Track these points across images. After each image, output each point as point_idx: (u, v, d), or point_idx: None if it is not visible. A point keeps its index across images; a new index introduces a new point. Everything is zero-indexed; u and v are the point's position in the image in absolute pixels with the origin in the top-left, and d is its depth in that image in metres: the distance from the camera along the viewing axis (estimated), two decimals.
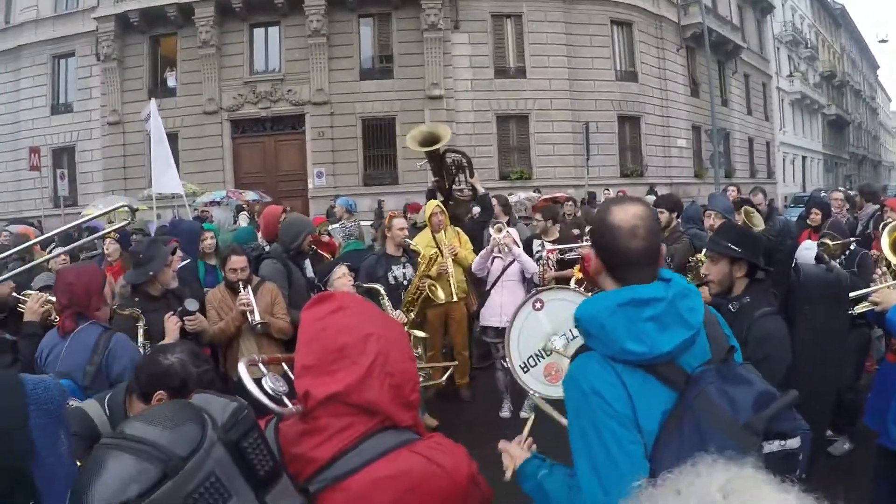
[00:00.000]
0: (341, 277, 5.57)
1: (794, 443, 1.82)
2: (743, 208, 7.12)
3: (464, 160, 9.40)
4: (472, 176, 9.37)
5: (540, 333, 4.88)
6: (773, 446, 1.79)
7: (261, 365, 1.95)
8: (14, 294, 4.90)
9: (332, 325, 1.86)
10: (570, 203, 12.58)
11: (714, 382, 1.90)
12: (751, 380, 1.95)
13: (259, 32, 26.61)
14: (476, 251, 7.74)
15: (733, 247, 3.74)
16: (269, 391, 1.77)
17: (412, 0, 25.39)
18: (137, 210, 9.76)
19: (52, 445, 2.04)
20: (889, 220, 6.84)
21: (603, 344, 1.97)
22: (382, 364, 1.81)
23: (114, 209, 7.33)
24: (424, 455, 1.76)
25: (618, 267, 2.08)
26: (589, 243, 7.17)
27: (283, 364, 2.05)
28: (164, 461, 1.33)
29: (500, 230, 7.22)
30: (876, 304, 4.31)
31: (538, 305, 5.03)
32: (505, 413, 7.44)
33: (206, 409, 1.48)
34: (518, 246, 7.35)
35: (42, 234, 12.61)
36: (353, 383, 1.74)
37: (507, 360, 5.07)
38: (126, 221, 7.23)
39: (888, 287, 4.47)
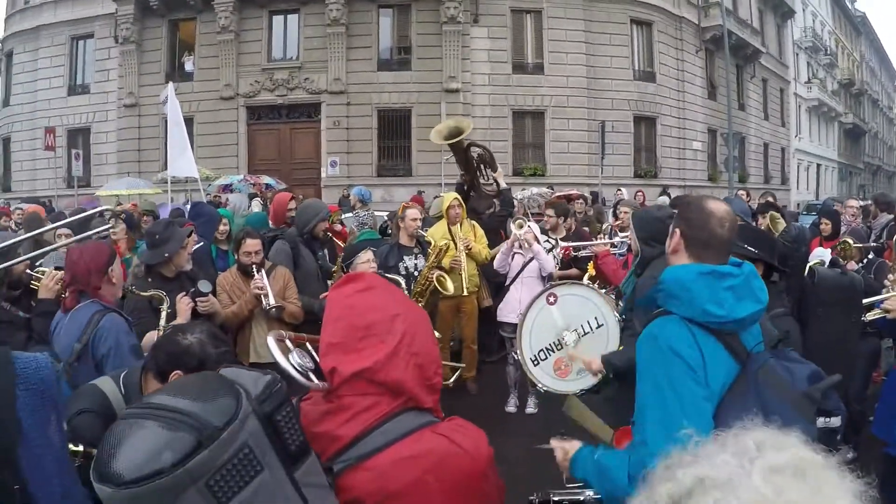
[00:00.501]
0: (366, 262, 5.54)
1: (836, 421, 2.00)
2: (769, 213, 7.07)
3: (486, 154, 9.39)
4: (494, 170, 9.36)
5: (552, 328, 5.03)
6: (819, 422, 1.97)
7: (288, 342, 1.94)
8: (28, 271, 4.87)
9: (359, 303, 1.88)
10: (581, 201, 12.53)
11: (774, 359, 2.14)
12: (802, 359, 2.21)
13: (278, 20, 26.62)
14: (495, 245, 7.71)
15: (749, 248, 3.74)
16: (297, 366, 1.78)
17: None
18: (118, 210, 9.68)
19: (41, 429, 1.96)
20: None
21: (685, 305, 2.17)
22: (409, 344, 1.82)
23: (86, 215, 7.00)
24: (446, 436, 1.77)
25: (700, 245, 2.32)
26: (603, 241, 7.14)
27: (308, 344, 2.03)
28: (199, 429, 1.31)
29: (521, 226, 7.19)
30: (888, 311, 4.34)
31: (552, 300, 5.17)
32: (511, 408, 7.42)
33: (238, 381, 1.47)
34: (539, 242, 7.31)
35: (51, 212, 12.66)
36: (380, 360, 1.75)
37: (518, 352, 5.21)
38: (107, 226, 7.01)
39: None
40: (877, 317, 4.46)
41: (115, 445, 1.30)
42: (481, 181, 9.53)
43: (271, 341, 1.88)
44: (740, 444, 0.97)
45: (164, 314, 4.55)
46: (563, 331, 4.95)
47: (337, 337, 1.82)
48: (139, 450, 1.28)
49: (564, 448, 2.43)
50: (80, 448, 2.34)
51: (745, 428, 1.02)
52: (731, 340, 2.16)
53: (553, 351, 4.93)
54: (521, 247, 7.19)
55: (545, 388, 4.84)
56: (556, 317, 5.04)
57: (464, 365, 7.15)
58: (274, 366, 4.57)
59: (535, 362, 4.99)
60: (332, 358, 1.79)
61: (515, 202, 10.66)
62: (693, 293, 2.15)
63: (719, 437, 1.02)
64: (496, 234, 8.19)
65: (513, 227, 7.35)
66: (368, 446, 1.70)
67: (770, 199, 9.15)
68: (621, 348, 4.22)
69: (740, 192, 13.62)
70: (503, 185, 9.07)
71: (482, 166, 9.45)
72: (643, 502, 0.99)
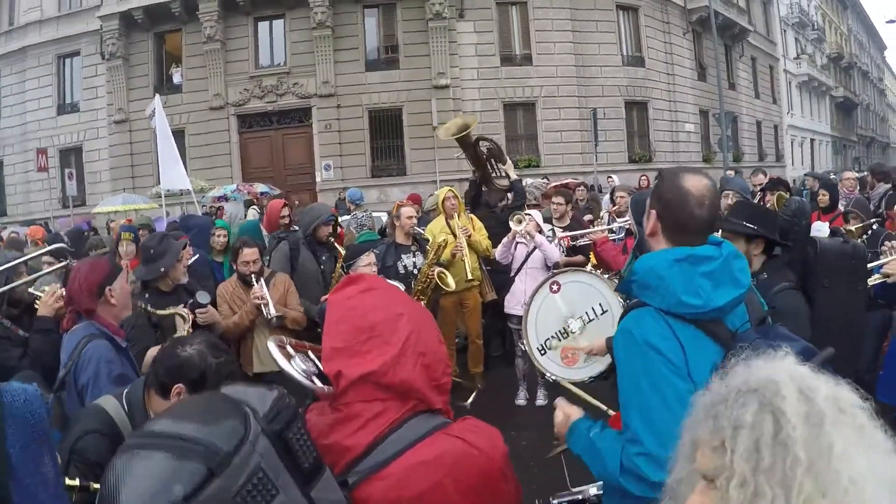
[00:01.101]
0: (367, 265, 5.55)
1: None
2: (777, 193, 7.03)
3: (494, 148, 9.43)
4: (503, 163, 9.36)
5: (557, 316, 5.00)
6: None
7: (289, 347, 1.92)
8: (30, 290, 4.82)
9: (361, 304, 1.84)
10: (582, 188, 12.54)
11: (760, 338, 1.98)
12: (792, 336, 2.07)
13: (263, 26, 26.55)
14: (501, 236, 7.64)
15: (749, 224, 3.74)
16: (300, 371, 1.76)
17: None
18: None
19: (34, 464, 1.86)
20: None
21: (660, 296, 2.07)
22: (415, 343, 1.79)
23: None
24: (460, 437, 1.74)
25: (677, 230, 2.21)
26: (602, 228, 7.11)
27: (309, 352, 1.98)
28: (208, 456, 1.23)
29: (519, 221, 7.16)
30: (888, 276, 4.37)
31: (555, 288, 5.14)
32: (521, 401, 7.43)
33: (243, 400, 1.40)
34: (541, 232, 7.30)
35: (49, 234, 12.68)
36: (388, 362, 1.72)
37: (525, 342, 5.14)
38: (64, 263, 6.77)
39: None
40: (876, 282, 4.47)
41: (120, 481, 1.22)
42: (493, 175, 9.54)
43: (272, 346, 1.86)
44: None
45: (185, 329, 4.50)
46: (567, 318, 4.92)
47: (340, 340, 1.78)
48: (146, 484, 1.20)
49: (566, 412, 2.39)
50: (76, 482, 2.29)
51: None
52: (712, 326, 2.08)
53: (559, 339, 4.90)
54: (523, 238, 7.17)
55: (553, 377, 4.75)
56: (561, 305, 5.02)
57: (479, 387, 7.19)
58: (280, 375, 4.56)
59: (542, 351, 4.96)
60: (336, 362, 1.75)
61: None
62: (667, 283, 2.06)
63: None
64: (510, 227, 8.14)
65: (511, 223, 7.28)
66: (382, 455, 1.66)
67: (762, 174, 9.12)
68: None
69: (728, 171, 13.67)
70: (514, 176, 9.03)
71: (492, 160, 9.44)
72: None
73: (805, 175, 16.84)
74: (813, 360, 1.84)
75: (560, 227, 7.91)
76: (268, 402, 1.42)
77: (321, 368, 1.81)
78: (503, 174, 9.37)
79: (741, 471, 1.05)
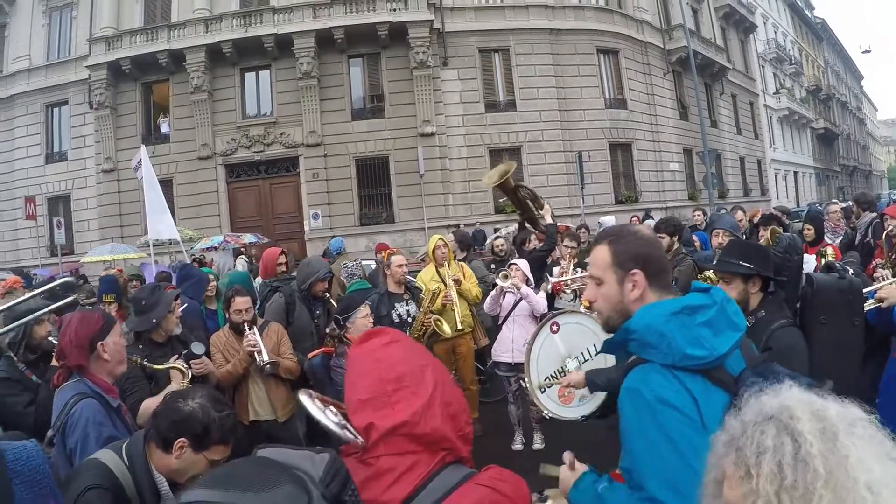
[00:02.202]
0: (364, 318, 5.44)
1: None
2: (770, 228, 6.97)
3: (530, 194, 9.62)
4: (541, 208, 9.52)
5: (556, 356, 5.04)
6: None
7: (316, 400, 1.92)
8: (50, 339, 4.69)
9: (387, 357, 1.85)
10: (584, 230, 12.59)
11: (762, 380, 1.89)
12: (791, 374, 1.98)
13: (250, 76, 26.77)
14: (537, 280, 7.61)
15: (745, 264, 3.72)
16: (335, 423, 1.77)
17: (400, 38, 25.57)
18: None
19: None
20: (890, 227, 6.91)
21: (663, 353, 1.99)
22: (441, 394, 1.80)
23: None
24: (489, 486, 1.74)
25: (661, 276, 2.18)
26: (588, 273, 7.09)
27: (331, 407, 1.96)
28: None
29: (505, 277, 7.14)
30: (881, 300, 4.34)
31: (555, 328, 5.18)
32: (517, 446, 7.39)
33: (291, 464, 1.34)
34: (529, 281, 7.32)
35: (28, 281, 12.62)
36: (417, 412, 1.73)
37: (527, 380, 5.13)
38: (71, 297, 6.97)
39: (893, 284, 4.50)
40: (870, 307, 4.44)
41: None
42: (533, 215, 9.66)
43: (305, 398, 1.88)
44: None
45: (184, 383, 4.33)
46: (565, 358, 4.97)
47: (367, 392, 1.79)
48: None
49: (562, 479, 2.32)
50: None
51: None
52: (716, 374, 2.00)
53: (557, 378, 4.89)
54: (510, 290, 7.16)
55: (550, 415, 4.78)
56: (559, 345, 5.05)
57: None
58: (275, 424, 4.89)
59: (542, 390, 4.98)
60: (365, 414, 1.75)
61: (503, 240, 10.75)
62: (669, 338, 1.97)
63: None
64: (540, 269, 8.14)
65: (497, 280, 7.26)
66: None
67: (741, 210, 9.18)
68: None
69: (723, 209, 13.82)
70: (549, 220, 9.05)
71: (534, 204, 9.58)
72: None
73: (773, 209, 16.91)
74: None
75: (568, 270, 7.83)
76: (321, 466, 1.39)
77: (344, 423, 1.81)
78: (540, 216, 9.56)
79: (765, 492, 1.11)
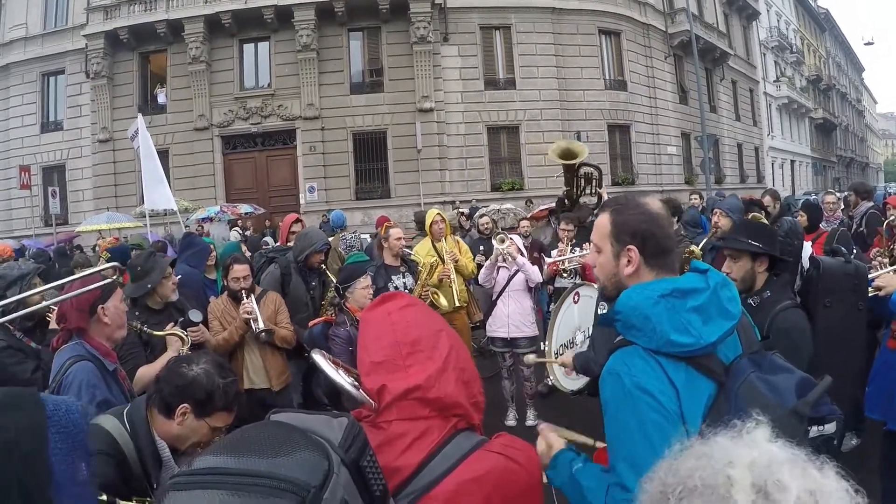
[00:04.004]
0: (364, 288, 5.47)
1: (830, 427, 1.83)
2: (751, 214, 7.03)
3: (595, 173, 10.08)
4: (600, 186, 9.78)
5: (571, 326, 5.15)
6: (812, 432, 1.80)
7: (328, 360, 1.92)
8: (44, 302, 4.77)
9: (402, 319, 1.85)
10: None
11: (755, 371, 1.91)
12: (788, 367, 1.98)
13: (249, 48, 26.61)
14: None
15: (754, 243, 3.72)
16: (349, 382, 1.77)
17: (401, 13, 25.46)
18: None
19: (73, 474, 1.77)
20: (892, 216, 6.90)
21: (647, 336, 1.93)
22: (455, 359, 1.80)
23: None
24: (501, 453, 1.74)
25: (661, 254, 2.09)
26: (587, 252, 7.10)
27: (342, 370, 1.94)
28: (299, 494, 1.10)
29: (502, 241, 7.17)
30: (879, 289, 4.34)
31: (576, 298, 5.31)
32: (511, 422, 7.40)
33: (309, 429, 1.29)
34: (522, 254, 7.32)
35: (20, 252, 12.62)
36: (432, 376, 1.73)
37: (547, 342, 5.28)
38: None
39: (891, 272, 4.52)
40: (868, 295, 4.43)
41: None
42: (580, 195, 10.24)
43: (318, 357, 1.89)
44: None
45: (184, 351, 4.36)
46: (576, 330, 5.03)
47: (381, 355, 1.78)
48: None
49: (549, 442, 2.27)
50: (105, 497, 2.21)
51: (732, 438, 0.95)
52: (704, 361, 1.92)
53: (568, 348, 5.00)
54: (504, 260, 7.16)
55: (551, 382, 4.90)
56: (576, 315, 5.13)
57: None
58: (269, 393, 5.08)
59: (557, 355, 5.04)
60: (378, 376, 1.75)
61: (488, 218, 10.79)
62: (653, 322, 1.91)
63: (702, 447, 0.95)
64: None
65: (494, 242, 7.32)
66: (431, 475, 1.65)
67: (769, 195, 9.18)
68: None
69: (692, 195, 13.87)
70: (605, 198, 9.10)
71: (593, 182, 10.03)
72: None
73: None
74: (811, 394, 1.82)
75: (566, 252, 7.84)
76: (339, 431, 1.36)
77: (357, 384, 1.81)
78: (592, 193, 10.08)
79: None
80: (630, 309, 1.96)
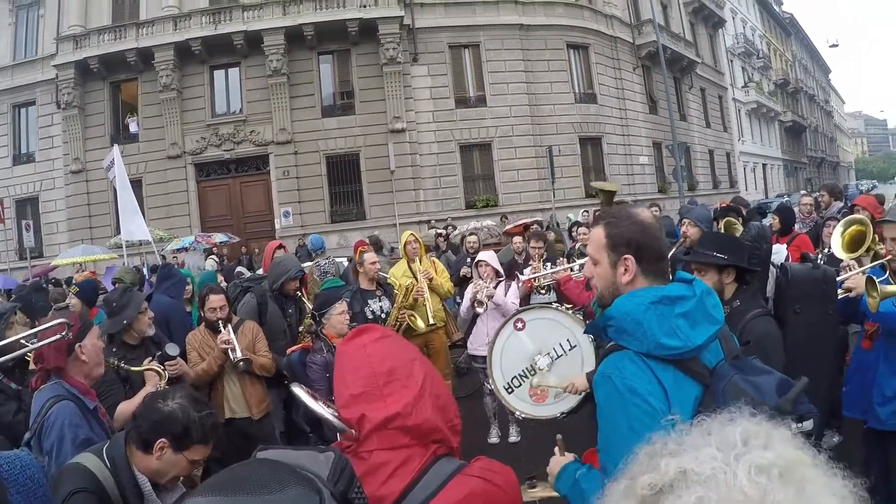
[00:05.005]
0: (340, 314, 5.45)
1: (808, 425, 1.92)
2: (725, 219, 7.06)
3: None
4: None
5: (524, 353, 4.87)
6: (793, 429, 1.82)
7: (307, 391, 1.97)
8: (22, 341, 4.67)
9: (377, 351, 1.88)
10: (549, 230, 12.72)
11: (737, 373, 2.03)
12: (768, 369, 2.09)
13: (219, 74, 26.58)
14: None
15: (719, 255, 3.76)
16: (330, 413, 1.81)
17: (370, 35, 25.53)
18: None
19: None
20: None
21: (638, 340, 2.04)
22: (430, 386, 1.84)
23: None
24: (480, 476, 1.77)
25: (654, 263, 2.20)
26: (564, 267, 7.02)
27: (321, 402, 2.00)
28: None
29: (480, 304, 7.07)
30: (849, 290, 4.37)
31: (519, 325, 5.02)
32: (493, 439, 7.40)
33: (296, 465, 1.28)
34: (500, 273, 7.33)
35: None
36: (409, 403, 1.76)
37: (491, 381, 5.02)
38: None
39: (860, 273, 4.53)
40: (840, 297, 4.48)
41: None
42: None
43: (298, 390, 1.94)
44: (726, 437, 0.93)
45: (161, 386, 4.34)
46: (534, 356, 4.79)
47: (359, 387, 1.81)
48: None
49: (559, 459, 2.39)
50: None
51: (732, 418, 0.99)
52: (691, 365, 2.06)
53: (526, 377, 4.78)
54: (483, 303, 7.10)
55: (523, 416, 4.69)
56: (527, 342, 4.90)
57: None
58: (250, 422, 4.95)
59: (509, 390, 4.83)
60: (357, 408, 1.78)
61: (475, 237, 10.89)
62: (645, 327, 2.02)
63: (705, 425, 0.98)
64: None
65: (474, 308, 7.18)
66: (414, 501, 1.69)
67: (723, 203, 9.32)
68: None
69: (653, 206, 14.06)
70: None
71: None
72: (623, 488, 0.96)
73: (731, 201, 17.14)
74: (791, 392, 1.93)
75: (535, 268, 7.73)
76: (325, 465, 1.37)
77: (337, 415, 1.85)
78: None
79: None
80: (622, 315, 2.08)
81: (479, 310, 7.06)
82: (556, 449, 2.45)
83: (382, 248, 12.70)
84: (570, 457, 2.37)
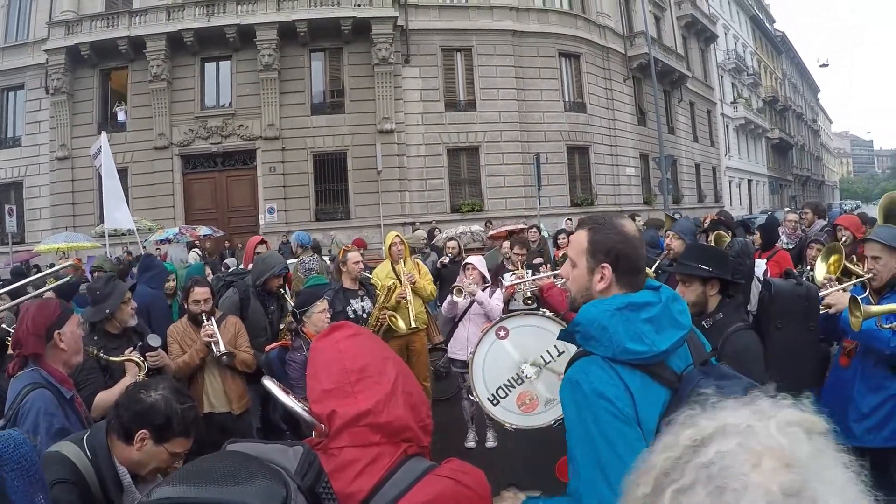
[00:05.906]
0: (321, 312, 5.46)
1: None
2: (716, 232, 7.08)
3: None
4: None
5: (508, 362, 4.73)
6: None
7: (278, 385, 1.98)
8: (4, 325, 4.65)
9: (349, 348, 1.89)
10: (534, 230, 12.67)
11: (705, 378, 2.03)
12: (736, 374, 2.10)
13: (210, 67, 26.48)
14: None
15: (703, 267, 3.77)
16: (301, 406, 1.82)
17: (363, 34, 25.50)
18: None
19: None
20: (843, 238, 7.08)
21: (604, 346, 2.05)
22: (403, 384, 1.85)
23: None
24: (451, 477, 1.78)
25: (632, 274, 2.22)
26: (548, 274, 7.00)
27: (293, 397, 2.01)
28: None
29: (459, 291, 7.03)
30: (829, 307, 4.40)
31: (502, 334, 4.88)
32: (470, 443, 7.40)
33: (265, 458, 1.33)
34: (486, 278, 7.33)
35: None
36: (381, 400, 1.77)
37: (474, 393, 4.88)
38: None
39: (840, 290, 4.56)
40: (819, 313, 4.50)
41: None
42: None
43: (269, 383, 1.94)
44: (757, 405, 1.03)
45: (140, 375, 4.34)
46: (521, 364, 4.66)
47: (330, 383, 1.81)
48: None
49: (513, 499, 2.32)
50: None
51: (757, 396, 1.06)
52: (658, 370, 2.06)
53: (513, 386, 4.66)
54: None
55: (514, 427, 4.58)
56: (511, 351, 4.77)
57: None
58: (230, 417, 5.06)
59: (494, 401, 4.69)
60: (328, 403, 1.78)
61: (455, 243, 10.91)
62: (610, 332, 2.03)
63: (736, 400, 1.06)
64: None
65: (452, 296, 7.15)
66: (383, 500, 1.69)
67: (712, 216, 9.34)
68: None
69: (636, 216, 14.13)
70: None
71: None
72: (667, 443, 1.03)
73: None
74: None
75: (518, 275, 7.73)
76: (295, 459, 1.40)
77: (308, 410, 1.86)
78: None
79: None
80: (588, 321, 2.10)
81: (458, 298, 7.03)
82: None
83: (321, 251, 12.72)
84: (521, 496, 2.32)
